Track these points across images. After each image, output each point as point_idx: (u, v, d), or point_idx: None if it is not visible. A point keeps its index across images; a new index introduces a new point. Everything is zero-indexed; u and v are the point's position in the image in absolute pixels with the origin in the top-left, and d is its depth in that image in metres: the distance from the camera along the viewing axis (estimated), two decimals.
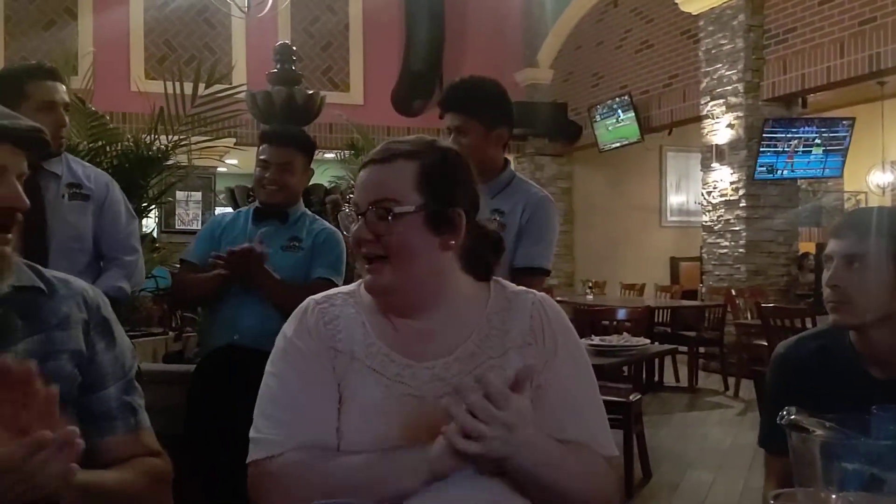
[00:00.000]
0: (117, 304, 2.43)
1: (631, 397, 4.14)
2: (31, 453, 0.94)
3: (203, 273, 2.65)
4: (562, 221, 10.80)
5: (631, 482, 4.15)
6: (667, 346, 5.91)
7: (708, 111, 8.19)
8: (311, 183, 3.19)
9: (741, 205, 7.87)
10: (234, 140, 8.03)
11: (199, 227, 8.77)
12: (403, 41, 10.81)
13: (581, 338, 1.42)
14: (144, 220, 4.75)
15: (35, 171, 2.40)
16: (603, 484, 1.24)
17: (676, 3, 8.42)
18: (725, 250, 8.07)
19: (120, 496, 1.17)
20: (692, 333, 7.47)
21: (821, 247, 2.91)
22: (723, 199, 8.09)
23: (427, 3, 10.63)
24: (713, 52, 8.10)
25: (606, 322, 5.27)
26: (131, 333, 3.14)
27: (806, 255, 8.70)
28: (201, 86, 4.35)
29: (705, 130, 8.26)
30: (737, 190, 7.92)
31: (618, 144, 9.96)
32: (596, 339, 4.53)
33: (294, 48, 4.37)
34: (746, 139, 7.75)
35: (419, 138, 1.30)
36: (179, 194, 9.32)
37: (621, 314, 5.36)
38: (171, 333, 4.01)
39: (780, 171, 7.81)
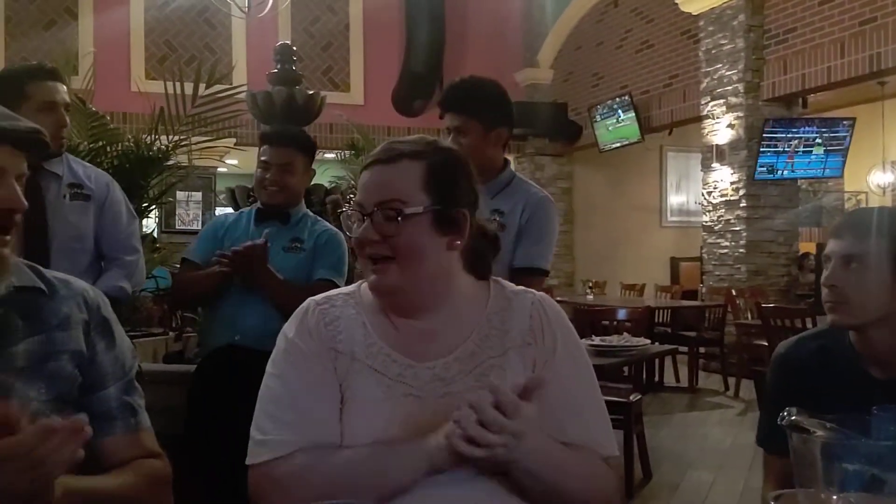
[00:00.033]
0: (118, 304, 2.44)
1: (631, 397, 4.14)
2: (42, 440, 0.95)
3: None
4: (562, 221, 10.82)
5: (631, 482, 4.15)
6: (667, 347, 5.91)
7: (708, 111, 8.20)
8: (311, 183, 3.18)
9: (741, 205, 7.87)
10: (234, 140, 8.02)
11: (200, 228, 8.80)
12: (404, 41, 10.81)
13: (581, 338, 1.42)
14: (145, 221, 4.76)
15: (36, 171, 2.40)
16: (603, 484, 1.24)
17: (676, 3, 8.42)
18: (726, 250, 8.07)
19: (120, 501, 1.17)
20: (692, 333, 7.47)
21: (821, 247, 2.90)
22: (723, 199, 8.09)
23: (427, 3, 10.63)
24: (713, 52, 8.10)
25: (606, 322, 5.27)
26: (132, 333, 3.14)
27: (806, 255, 8.70)
28: (202, 86, 4.35)
29: (705, 130, 8.26)
30: (737, 190, 7.92)
31: (618, 144, 9.96)
32: (596, 340, 4.53)
33: (294, 48, 4.37)
34: (747, 139, 7.75)
35: (421, 138, 1.29)
36: (180, 194, 9.32)
37: (621, 314, 5.36)
38: (171, 334, 4.01)
39: (780, 172, 7.81)
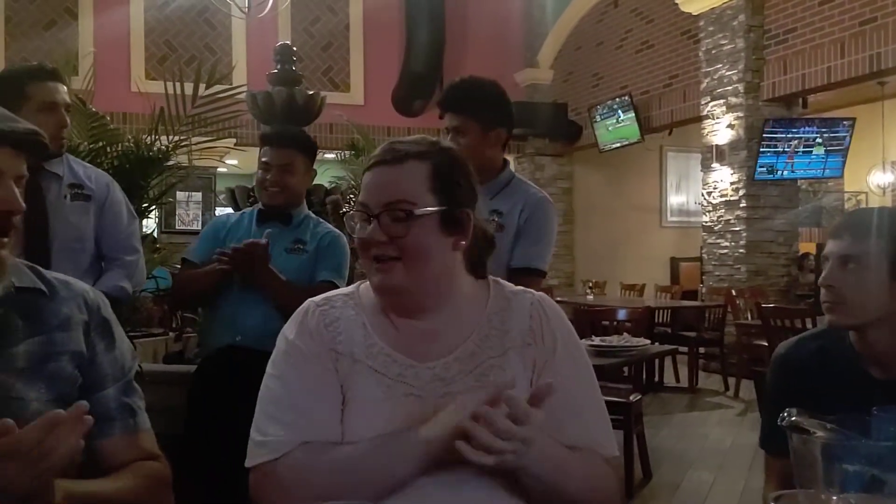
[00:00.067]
0: (119, 304, 2.44)
1: (631, 398, 4.14)
2: (46, 434, 0.95)
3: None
4: (562, 221, 10.83)
5: (631, 483, 4.15)
6: (667, 347, 5.91)
7: (708, 111, 8.20)
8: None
9: (741, 205, 7.87)
10: (234, 140, 8.02)
11: (200, 228, 8.80)
12: (404, 41, 10.81)
13: (581, 338, 1.42)
14: (145, 221, 4.75)
15: (36, 172, 2.41)
16: (604, 484, 1.24)
17: (676, 4, 8.42)
18: (726, 251, 8.07)
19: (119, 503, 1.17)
20: (692, 334, 7.47)
21: (821, 247, 2.91)
22: (723, 199, 8.09)
23: (427, 3, 10.63)
24: (713, 52, 8.10)
25: (607, 322, 5.27)
26: (132, 334, 3.14)
27: (806, 255, 8.70)
28: (202, 86, 4.34)
29: (705, 131, 8.26)
30: (737, 190, 7.92)
31: (618, 145, 9.97)
32: (596, 340, 4.53)
33: (294, 48, 4.37)
34: (747, 139, 7.75)
35: (423, 138, 1.29)
36: (180, 195, 9.32)
37: (621, 314, 5.36)
38: (171, 334, 4.02)
39: (780, 172, 7.81)
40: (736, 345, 7.04)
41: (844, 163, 8.19)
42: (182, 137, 4.34)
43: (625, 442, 4.02)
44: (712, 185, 8.22)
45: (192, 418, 2.50)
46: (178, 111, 4.32)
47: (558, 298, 7.50)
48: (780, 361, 1.58)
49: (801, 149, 7.85)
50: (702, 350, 7.74)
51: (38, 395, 1.15)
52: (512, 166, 2.67)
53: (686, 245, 11.15)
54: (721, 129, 8.02)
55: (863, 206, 11.40)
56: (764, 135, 7.64)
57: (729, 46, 7.90)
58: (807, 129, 7.93)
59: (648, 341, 4.74)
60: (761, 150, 7.66)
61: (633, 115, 9.51)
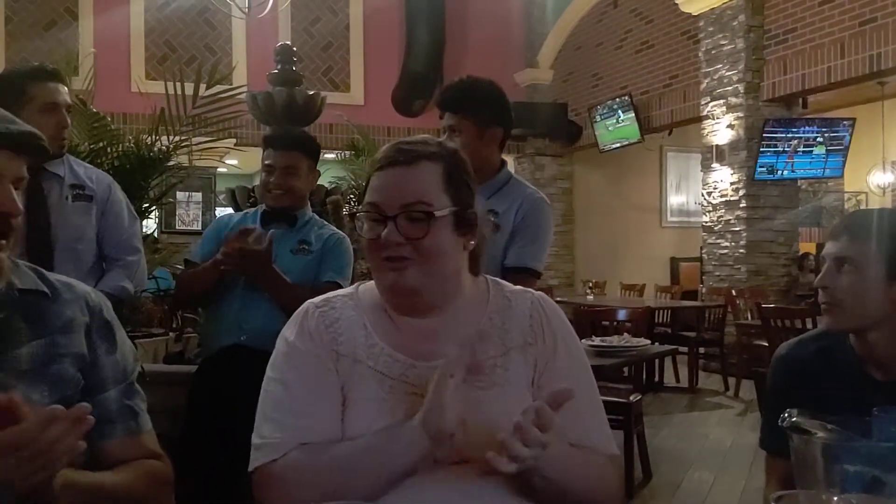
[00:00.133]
0: (120, 304, 2.44)
1: (631, 398, 4.13)
2: (45, 428, 0.95)
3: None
4: (562, 221, 10.84)
5: (631, 483, 4.15)
6: (667, 347, 5.90)
7: (708, 111, 8.20)
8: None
9: (741, 205, 7.87)
10: (234, 141, 8.02)
11: (200, 228, 8.80)
12: (404, 41, 10.81)
13: (581, 338, 1.43)
14: (145, 221, 4.75)
15: (38, 172, 2.41)
16: (606, 483, 1.25)
17: (676, 4, 8.42)
18: (726, 251, 8.07)
19: (119, 498, 1.17)
20: (692, 334, 7.47)
21: (821, 247, 2.91)
22: (723, 199, 8.09)
23: (427, 3, 10.63)
24: (713, 52, 8.10)
25: (607, 322, 5.27)
26: (132, 334, 3.14)
27: (806, 255, 8.70)
28: (202, 86, 4.35)
29: (705, 131, 8.26)
30: (737, 190, 7.92)
31: (618, 145, 9.97)
32: (596, 340, 4.52)
33: (294, 49, 4.37)
34: (747, 139, 7.75)
35: (429, 139, 1.29)
36: (180, 195, 9.33)
37: (621, 315, 5.35)
38: (171, 334, 4.01)
39: (780, 172, 7.81)
40: (736, 345, 7.04)
41: (844, 163, 8.19)
42: (182, 138, 4.34)
43: (625, 442, 4.02)
44: (712, 185, 8.22)
45: (192, 419, 2.50)
46: (179, 111, 4.32)
47: (558, 298, 7.51)
48: (781, 362, 1.58)
49: (802, 149, 7.85)
50: (702, 350, 7.74)
51: (41, 398, 1.15)
52: (512, 166, 2.67)
53: (686, 245, 11.15)
54: (721, 129, 8.02)
55: (863, 205, 11.41)
56: (764, 135, 7.64)
57: (729, 47, 7.90)
58: (807, 129, 7.93)
59: (648, 341, 4.74)
60: (761, 150, 7.66)
61: (633, 115, 9.51)
